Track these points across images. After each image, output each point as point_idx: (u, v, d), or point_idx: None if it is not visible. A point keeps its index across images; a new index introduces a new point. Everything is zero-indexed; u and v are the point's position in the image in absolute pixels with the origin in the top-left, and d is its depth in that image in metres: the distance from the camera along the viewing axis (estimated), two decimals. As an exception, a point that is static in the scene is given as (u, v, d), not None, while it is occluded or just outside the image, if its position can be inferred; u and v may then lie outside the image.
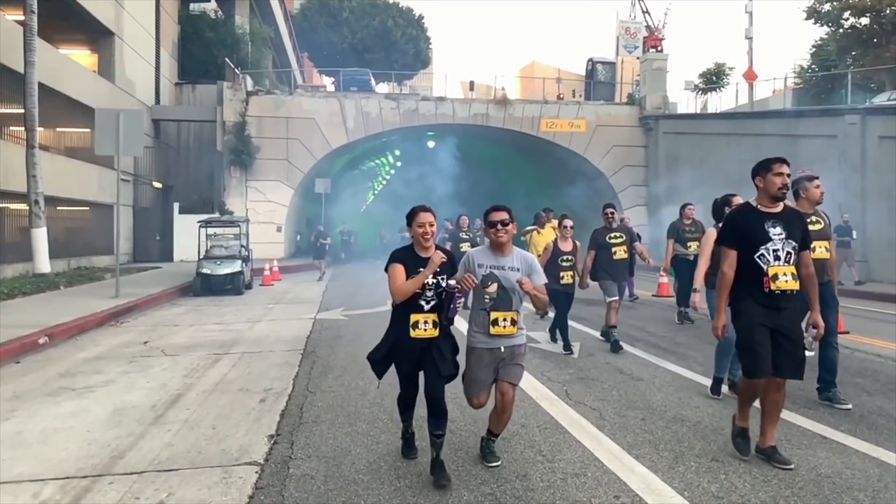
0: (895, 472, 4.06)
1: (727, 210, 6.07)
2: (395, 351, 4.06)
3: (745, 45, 28.09)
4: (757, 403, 4.37)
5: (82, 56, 21.89)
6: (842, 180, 17.74)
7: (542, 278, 4.23)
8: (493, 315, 4.14)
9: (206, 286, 14.68)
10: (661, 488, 3.83)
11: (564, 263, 7.97)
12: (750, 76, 26.93)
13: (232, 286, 14.91)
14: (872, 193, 17.52)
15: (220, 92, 25.22)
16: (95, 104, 17.40)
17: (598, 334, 8.99)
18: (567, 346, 7.92)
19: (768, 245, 4.12)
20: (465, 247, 11.03)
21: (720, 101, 30.10)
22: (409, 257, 4.05)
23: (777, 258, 4.12)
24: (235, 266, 15.11)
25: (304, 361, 7.50)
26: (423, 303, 3.98)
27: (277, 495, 3.73)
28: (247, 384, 6.39)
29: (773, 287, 4.09)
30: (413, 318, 3.96)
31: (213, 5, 31.25)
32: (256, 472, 4.06)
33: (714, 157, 22.79)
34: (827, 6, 32.67)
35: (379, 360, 4.14)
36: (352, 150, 29.31)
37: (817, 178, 5.59)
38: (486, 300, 4.15)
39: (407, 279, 3.94)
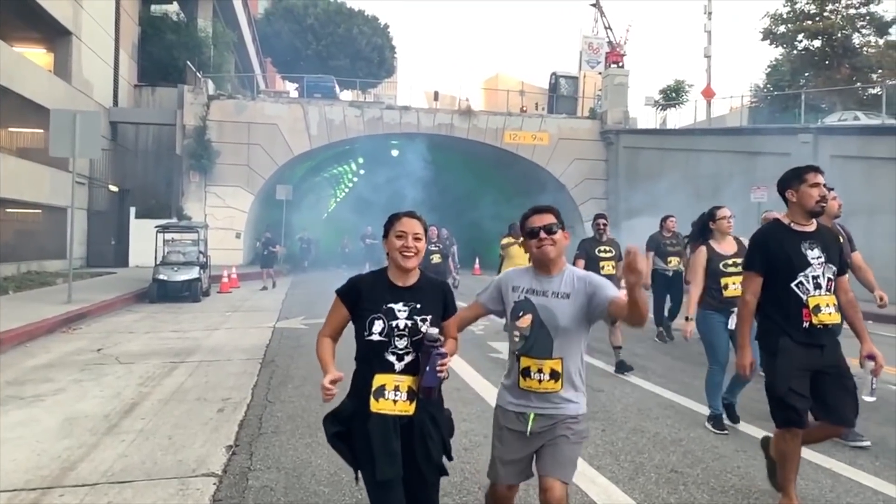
0: (846, 483, 4.16)
1: (712, 225, 5.61)
2: (356, 436, 2.63)
3: (704, 63, 28.80)
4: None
5: (38, 55, 21.31)
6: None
7: (611, 290, 2.91)
8: (525, 362, 2.94)
9: (162, 293, 14.39)
10: (621, 499, 3.86)
11: None
12: (708, 94, 27.61)
13: (189, 293, 14.64)
14: (823, 210, 18.05)
15: (180, 95, 24.83)
16: (51, 105, 16.93)
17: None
18: None
19: (807, 271, 3.49)
20: (435, 258, 10.45)
21: (679, 117, 30.79)
22: (376, 286, 2.72)
23: (818, 286, 3.49)
24: (193, 272, 14.85)
25: (264, 371, 7.38)
26: (391, 357, 2.60)
27: (236, 507, 3.65)
28: (204, 393, 6.26)
29: (814, 321, 3.45)
30: (377, 380, 2.59)
31: (175, 7, 30.79)
32: (214, 484, 3.97)
33: (673, 172, 23.25)
34: (782, 28, 33.84)
35: (342, 445, 2.69)
36: (314, 157, 29.11)
37: (832, 189, 5.48)
38: (516, 338, 2.98)
39: (371, 317, 2.63)
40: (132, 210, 23.79)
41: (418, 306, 2.68)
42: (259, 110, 25.74)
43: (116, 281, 17.25)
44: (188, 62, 26.24)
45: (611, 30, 38.61)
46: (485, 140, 27.11)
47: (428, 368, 2.52)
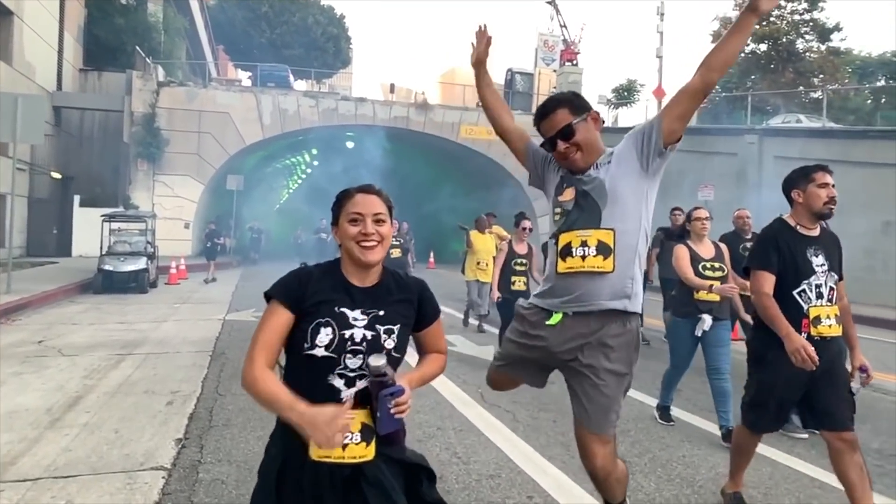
0: (784, 470, 4.34)
1: (688, 226, 5.34)
2: (284, 491, 1.89)
3: (656, 63, 29.35)
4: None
5: (-24, 35, 20.45)
6: (740, 196, 18.83)
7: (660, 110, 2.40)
8: (565, 238, 2.41)
9: (107, 283, 14.00)
10: (571, 488, 3.93)
11: (518, 268, 7.35)
12: (659, 93, 28.15)
13: (136, 284, 14.28)
14: (767, 210, 18.32)
15: (128, 81, 24.15)
16: (-11, 87, 16.28)
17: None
18: None
19: (811, 279, 3.25)
20: (395, 252, 10.13)
21: (631, 116, 31.43)
22: (324, 282, 1.98)
23: (819, 296, 3.25)
24: (140, 263, 14.49)
25: (214, 363, 7.26)
26: (338, 382, 1.89)
27: (186, 501, 3.60)
28: (152, 386, 6.13)
29: (813, 332, 3.20)
30: None
31: (123, -10, 29.89)
32: (163, 478, 3.90)
33: (624, 170, 23.63)
34: (730, 31, 34.70)
35: None
36: (267, 147, 28.69)
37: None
38: (557, 216, 2.50)
39: (315, 323, 1.90)
40: (76, 198, 23.05)
41: (381, 313, 1.97)
42: (210, 98, 25.22)
43: (59, 271, 16.70)
44: (137, 47, 25.52)
45: (566, 28, 38.97)
46: (441, 134, 27.13)
47: (379, 414, 1.83)
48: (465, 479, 4.06)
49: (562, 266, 2.37)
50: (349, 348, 1.89)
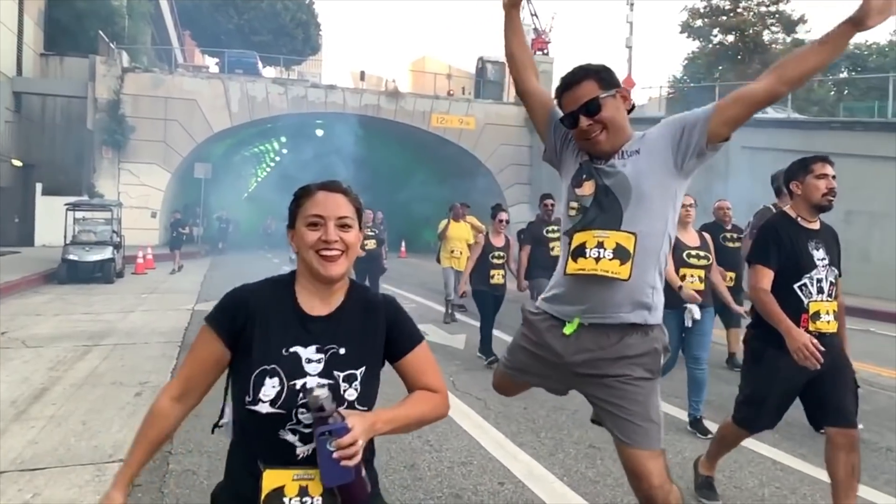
0: (748, 454, 4.45)
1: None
2: None
3: (625, 53, 29.55)
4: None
5: (-70, 17, 19.79)
6: (708, 186, 19.11)
7: (710, 105, 2.18)
8: (580, 238, 2.16)
9: (72, 273, 13.79)
10: (542, 474, 4.00)
11: (495, 261, 7.12)
12: (628, 83, 28.36)
13: (102, 274, 14.10)
14: (734, 199, 18.88)
15: (92, 66, 23.61)
16: (-54, 71, 15.78)
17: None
18: (487, 353, 7.00)
19: (812, 273, 3.15)
20: (370, 244, 9.81)
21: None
22: (272, 312, 1.63)
23: (820, 291, 3.16)
24: (106, 252, 14.30)
25: (183, 354, 7.17)
26: (291, 437, 1.57)
27: (156, 492, 3.58)
28: (120, 377, 6.06)
29: (811, 328, 3.09)
30: (269, 479, 1.54)
31: (85, -27, 29.09)
32: (133, 469, 3.86)
33: (594, 159, 23.78)
34: (699, 22, 35.19)
35: None
36: (235, 135, 28.33)
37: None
38: (573, 211, 2.22)
39: (258, 371, 1.57)
40: (38, 186, 22.53)
41: (341, 352, 1.62)
42: (177, 85, 24.80)
43: (21, 261, 16.33)
44: (100, 32, 24.92)
45: (537, 17, 38.99)
46: (412, 122, 27.05)
47: (319, 460, 1.48)
48: (436, 466, 4.09)
49: (571, 267, 2.13)
50: (301, 402, 1.54)
